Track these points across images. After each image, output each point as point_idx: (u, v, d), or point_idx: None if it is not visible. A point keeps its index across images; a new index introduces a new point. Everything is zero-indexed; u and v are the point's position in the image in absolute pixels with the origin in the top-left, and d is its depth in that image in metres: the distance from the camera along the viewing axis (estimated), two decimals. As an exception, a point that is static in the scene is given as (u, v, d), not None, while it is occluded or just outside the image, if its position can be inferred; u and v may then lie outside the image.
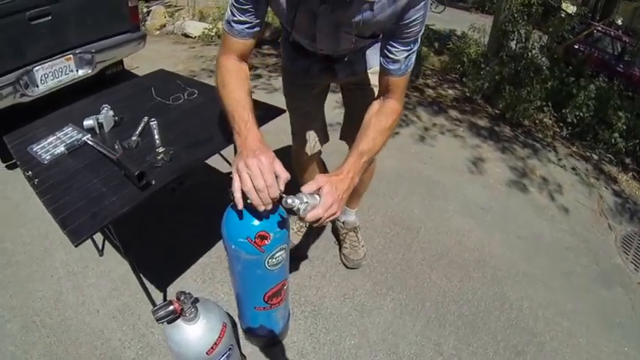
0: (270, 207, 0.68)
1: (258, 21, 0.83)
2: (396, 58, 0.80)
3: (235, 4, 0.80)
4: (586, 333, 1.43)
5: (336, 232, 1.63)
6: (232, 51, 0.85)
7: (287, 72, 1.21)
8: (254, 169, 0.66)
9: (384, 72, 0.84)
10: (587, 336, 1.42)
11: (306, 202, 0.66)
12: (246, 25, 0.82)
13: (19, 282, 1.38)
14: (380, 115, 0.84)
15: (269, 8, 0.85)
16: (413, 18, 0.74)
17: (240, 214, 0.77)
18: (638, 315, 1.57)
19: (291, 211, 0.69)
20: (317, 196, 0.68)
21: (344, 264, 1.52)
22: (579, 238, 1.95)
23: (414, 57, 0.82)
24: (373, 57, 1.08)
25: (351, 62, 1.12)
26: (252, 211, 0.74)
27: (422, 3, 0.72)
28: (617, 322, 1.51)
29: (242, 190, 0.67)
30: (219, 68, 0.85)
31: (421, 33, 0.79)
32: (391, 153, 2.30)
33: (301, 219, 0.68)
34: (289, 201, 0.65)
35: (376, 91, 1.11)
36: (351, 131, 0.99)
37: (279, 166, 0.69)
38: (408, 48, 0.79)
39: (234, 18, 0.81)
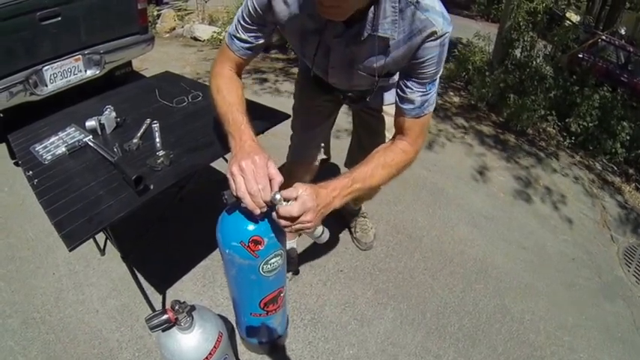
0: (264, 210, 0.66)
1: (259, 43, 0.82)
2: (410, 97, 0.75)
3: (241, 22, 0.79)
4: (587, 348, 1.41)
5: (346, 219, 1.70)
6: (228, 61, 0.85)
7: (303, 76, 1.19)
8: (247, 172, 0.64)
9: (398, 111, 0.80)
10: (588, 351, 1.40)
11: (291, 202, 0.65)
12: (247, 45, 0.81)
13: (21, 278, 1.39)
14: (388, 151, 0.79)
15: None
16: (428, 57, 0.70)
17: (234, 217, 0.76)
18: (639, 330, 1.55)
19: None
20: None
21: (357, 247, 1.64)
22: (582, 249, 1.93)
23: (431, 99, 0.77)
24: (390, 95, 1.06)
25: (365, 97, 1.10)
26: (247, 215, 0.74)
27: (437, 41, 0.68)
28: (618, 336, 1.50)
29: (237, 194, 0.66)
30: (213, 76, 0.84)
31: (438, 75, 0.75)
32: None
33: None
34: (277, 197, 0.64)
35: (389, 119, 1.08)
36: (358, 158, 0.93)
37: (272, 169, 0.66)
38: (424, 90, 0.75)
39: (237, 34, 0.81)
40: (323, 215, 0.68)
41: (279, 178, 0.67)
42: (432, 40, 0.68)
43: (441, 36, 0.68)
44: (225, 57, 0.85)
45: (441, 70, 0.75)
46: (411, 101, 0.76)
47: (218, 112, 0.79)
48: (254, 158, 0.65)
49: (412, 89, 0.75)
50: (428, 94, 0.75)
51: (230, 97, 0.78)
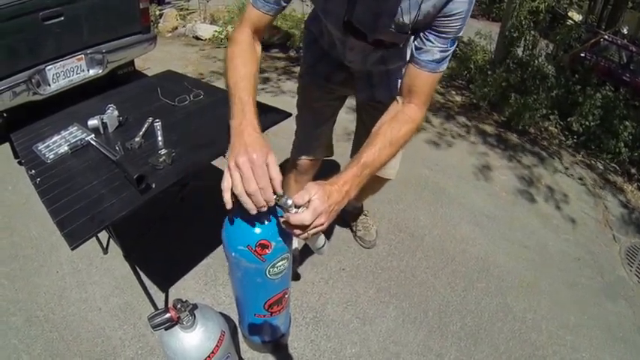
0: (263, 209, 0.62)
1: None
2: (429, 50, 0.72)
3: None
4: (589, 347, 1.41)
5: (347, 218, 1.70)
6: (248, 21, 0.80)
7: (307, 71, 1.17)
8: (245, 171, 0.60)
9: (412, 62, 0.74)
10: (590, 350, 1.40)
11: (303, 207, 0.63)
12: None
13: (25, 276, 1.40)
14: (394, 122, 0.75)
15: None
16: (457, 11, 0.68)
17: (240, 220, 0.74)
18: (641, 329, 1.55)
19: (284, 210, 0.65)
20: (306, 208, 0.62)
21: (360, 245, 1.64)
22: (584, 249, 1.93)
23: (448, 58, 0.74)
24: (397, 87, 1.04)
25: (372, 85, 1.08)
26: (254, 218, 0.72)
27: None
28: (620, 336, 1.49)
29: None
30: (230, 43, 0.80)
31: (461, 33, 0.72)
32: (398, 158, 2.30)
33: (287, 225, 0.63)
34: (288, 202, 0.62)
35: None
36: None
37: (273, 169, 0.62)
38: (445, 46, 0.72)
39: None
40: (337, 211, 0.67)
41: (279, 178, 0.63)
42: None
43: None
44: (246, 17, 0.80)
45: (464, 29, 0.72)
46: (431, 53, 0.72)
47: (227, 83, 0.74)
48: (252, 156, 0.61)
49: (433, 43, 0.71)
50: (448, 51, 0.73)
51: (242, 68, 0.73)
